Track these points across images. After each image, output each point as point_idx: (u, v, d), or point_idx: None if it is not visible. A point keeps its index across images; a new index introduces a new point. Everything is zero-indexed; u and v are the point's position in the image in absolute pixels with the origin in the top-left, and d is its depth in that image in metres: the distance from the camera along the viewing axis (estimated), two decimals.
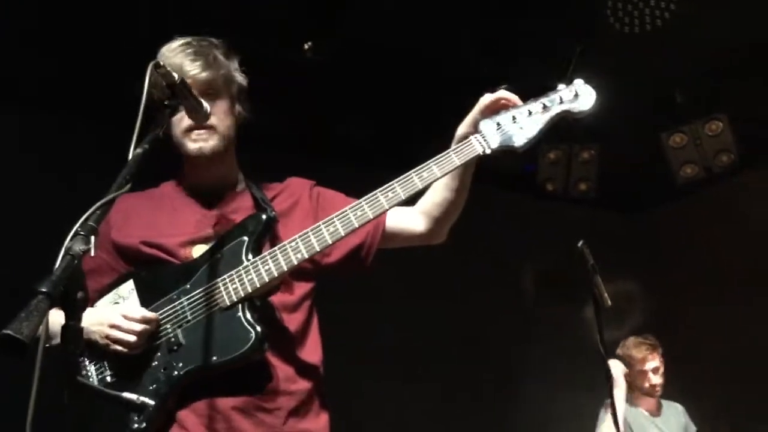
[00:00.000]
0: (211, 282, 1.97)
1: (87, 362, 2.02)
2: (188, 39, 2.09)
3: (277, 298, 2.06)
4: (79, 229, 1.40)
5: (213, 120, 2.06)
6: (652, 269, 6.70)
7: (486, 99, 2.02)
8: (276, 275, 1.94)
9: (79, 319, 1.39)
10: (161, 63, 1.77)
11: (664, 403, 4.78)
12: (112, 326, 1.94)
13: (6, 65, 4.19)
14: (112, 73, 4.00)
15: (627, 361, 4.72)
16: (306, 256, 1.94)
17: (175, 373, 1.93)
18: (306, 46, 4.39)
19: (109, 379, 1.99)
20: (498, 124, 1.95)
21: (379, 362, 5.18)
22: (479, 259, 5.92)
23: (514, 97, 2.00)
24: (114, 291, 2.06)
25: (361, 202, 1.94)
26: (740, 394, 5.66)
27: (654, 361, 4.68)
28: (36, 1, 3.98)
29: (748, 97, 5.57)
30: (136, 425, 1.90)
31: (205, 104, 1.94)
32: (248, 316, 1.93)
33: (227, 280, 1.96)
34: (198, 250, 2.07)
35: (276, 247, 1.97)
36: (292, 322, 2.08)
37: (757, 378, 5.63)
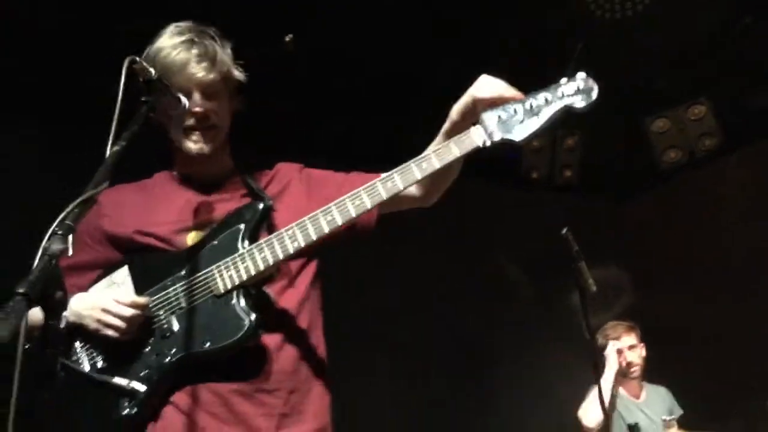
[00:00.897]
0: (206, 269, 1.98)
1: (79, 348, 2.01)
2: (188, 33, 2.06)
3: (274, 284, 2.06)
4: (56, 228, 1.39)
5: (214, 120, 2.09)
6: (637, 254, 6.74)
7: (485, 90, 1.99)
8: (271, 263, 1.94)
9: (59, 319, 1.38)
10: (137, 59, 1.76)
11: (648, 386, 4.83)
12: (104, 310, 1.94)
13: None
14: (85, 70, 4.00)
15: (604, 342, 4.78)
16: (302, 245, 1.94)
17: (167, 359, 1.94)
18: (287, 39, 4.37)
19: (100, 364, 1.99)
20: (499, 117, 1.92)
21: (361, 350, 5.18)
22: (463, 248, 5.93)
23: (515, 91, 1.98)
24: (108, 277, 2.06)
25: (359, 191, 1.94)
26: (723, 379, 5.71)
27: (630, 339, 4.73)
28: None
29: (730, 80, 5.60)
30: (126, 411, 1.91)
31: (183, 99, 1.95)
32: (242, 303, 1.94)
33: (222, 267, 1.97)
34: (193, 238, 2.07)
35: (273, 235, 1.97)
36: (290, 306, 2.08)
37: (740, 361, 5.68)
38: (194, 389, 1.95)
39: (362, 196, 1.93)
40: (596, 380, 3.52)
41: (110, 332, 1.94)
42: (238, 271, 1.95)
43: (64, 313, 1.96)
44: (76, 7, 4.04)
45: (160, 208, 2.13)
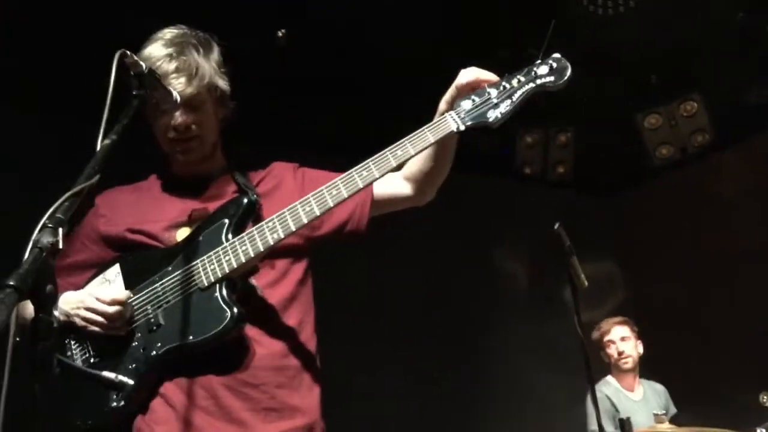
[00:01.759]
0: (191, 263, 2.00)
1: (72, 343, 2.05)
2: (170, 46, 2.06)
3: (261, 276, 2.07)
4: (46, 221, 1.39)
5: (196, 131, 2.10)
6: (629, 249, 6.76)
7: (464, 77, 2.01)
8: (252, 255, 1.95)
9: (50, 312, 1.38)
10: (128, 53, 1.76)
11: (645, 382, 4.85)
12: (87, 309, 1.98)
13: None
14: (75, 64, 3.99)
15: (598, 336, 4.80)
16: (282, 236, 1.95)
17: (154, 352, 1.96)
18: (279, 34, 4.36)
19: (92, 360, 2.03)
20: (473, 100, 1.94)
21: (355, 340, 5.19)
22: (457, 242, 5.94)
23: (491, 75, 1.99)
24: (101, 275, 2.10)
25: (336, 182, 1.95)
26: (715, 371, 5.73)
27: (622, 330, 4.75)
28: None
29: (722, 77, 5.61)
30: (114, 403, 1.94)
31: (175, 93, 1.95)
32: (225, 295, 1.95)
33: (206, 260, 1.98)
34: (181, 234, 2.10)
35: (254, 228, 1.98)
36: (278, 298, 2.09)
37: (733, 355, 5.71)
38: (182, 383, 1.97)
39: (339, 186, 1.94)
40: (587, 377, 3.51)
41: (95, 329, 1.99)
42: (220, 264, 1.96)
43: (55, 312, 2.00)
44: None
45: (152, 207, 2.17)
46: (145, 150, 2.11)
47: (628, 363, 4.73)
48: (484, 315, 6.00)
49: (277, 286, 2.10)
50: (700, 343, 6.02)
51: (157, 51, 2.03)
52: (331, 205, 1.93)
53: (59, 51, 4.21)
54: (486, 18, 4.81)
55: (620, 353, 4.72)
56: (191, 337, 1.94)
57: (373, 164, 1.93)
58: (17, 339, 1.33)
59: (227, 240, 1.99)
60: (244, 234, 1.98)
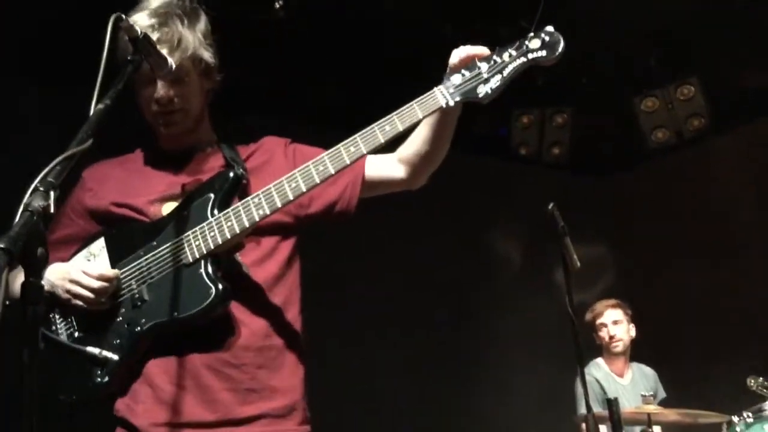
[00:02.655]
0: (176, 238, 1.97)
1: (57, 318, 2.04)
2: (154, 17, 2.01)
3: (247, 254, 2.04)
4: (38, 185, 1.37)
5: (179, 104, 2.06)
6: (623, 232, 6.78)
7: (455, 56, 1.97)
8: (237, 231, 1.92)
9: (40, 277, 1.36)
10: (123, 16, 1.73)
11: (635, 365, 4.86)
12: (72, 281, 1.96)
13: None
14: (68, 29, 3.94)
15: (591, 318, 4.81)
16: (268, 212, 1.92)
17: (138, 328, 1.94)
18: (277, 5, 4.33)
19: (76, 334, 2.01)
20: (463, 75, 1.90)
21: (348, 324, 5.20)
22: (452, 222, 5.94)
23: (483, 49, 1.94)
24: (86, 249, 2.07)
25: (323, 157, 1.92)
26: (711, 355, 5.77)
27: (614, 313, 4.77)
28: None
29: (719, 60, 5.59)
30: (98, 379, 1.93)
31: (170, 60, 1.92)
32: (210, 271, 1.92)
33: (191, 236, 1.95)
34: (167, 208, 2.06)
35: (239, 203, 1.95)
36: (263, 276, 2.06)
37: (726, 338, 5.74)
38: (164, 362, 1.96)
39: (325, 161, 1.90)
40: (577, 359, 3.51)
41: (79, 303, 1.96)
42: (205, 240, 1.93)
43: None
44: None
45: (138, 181, 2.13)
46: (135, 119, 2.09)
47: (619, 347, 4.74)
48: (478, 296, 6.01)
49: (263, 264, 2.07)
50: (693, 325, 6.05)
51: (141, 20, 1.98)
52: (318, 181, 1.90)
53: (52, 14, 4.16)
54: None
55: (611, 337, 4.73)
56: (176, 314, 1.91)
57: (360, 139, 1.90)
58: (6, 303, 1.32)
59: (212, 215, 1.96)
60: (229, 209, 1.95)
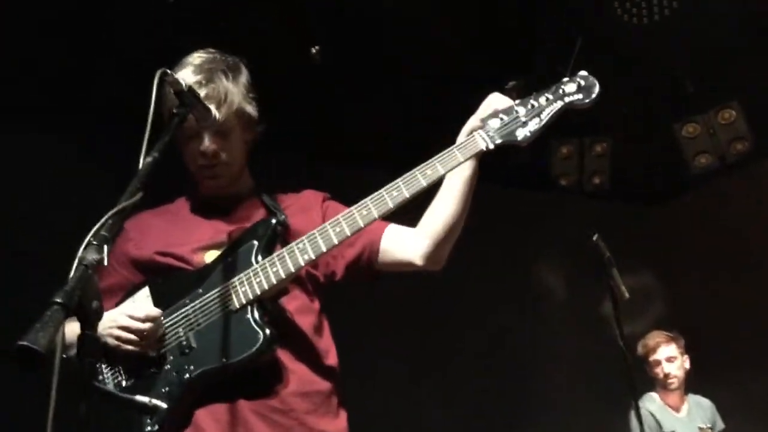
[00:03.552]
0: (222, 285, 1.99)
1: (104, 367, 2.06)
2: (200, 73, 2.07)
3: (289, 300, 2.07)
4: (91, 239, 1.41)
5: (224, 157, 2.12)
6: (670, 261, 6.66)
7: (490, 100, 2.01)
8: (283, 276, 1.95)
9: (95, 329, 1.39)
10: (168, 71, 1.78)
11: (691, 398, 4.74)
12: (120, 327, 1.97)
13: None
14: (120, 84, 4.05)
15: (643, 352, 4.71)
16: (313, 256, 1.95)
17: (187, 375, 1.96)
18: (313, 50, 4.41)
19: (124, 383, 2.03)
20: (501, 119, 1.94)
21: (390, 360, 5.16)
22: (494, 258, 5.89)
23: (511, 101, 1.98)
24: (130, 298, 2.09)
25: (366, 202, 1.94)
26: (760, 382, 5.61)
27: (668, 350, 4.65)
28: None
29: (759, 83, 5.53)
30: (148, 428, 1.93)
31: (214, 110, 1.97)
32: (257, 317, 1.95)
33: (236, 282, 1.98)
34: (210, 256, 2.09)
35: (284, 249, 1.98)
36: (305, 323, 2.09)
37: None
38: (212, 408, 1.96)
39: (369, 205, 1.93)
40: (631, 392, 3.45)
41: (128, 347, 1.97)
42: (251, 286, 1.96)
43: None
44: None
45: (180, 230, 2.18)
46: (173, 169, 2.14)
47: (674, 384, 4.64)
48: (523, 329, 5.93)
49: (303, 312, 2.11)
50: (745, 354, 5.90)
51: (187, 77, 2.03)
52: (362, 225, 1.93)
53: (98, 68, 4.28)
54: (522, 29, 4.80)
55: (666, 375, 4.63)
56: (224, 360, 1.93)
57: (402, 183, 1.92)
58: (64, 356, 1.35)
59: (257, 262, 1.99)
60: (274, 255, 1.98)
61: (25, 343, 1.22)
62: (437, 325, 5.51)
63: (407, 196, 1.92)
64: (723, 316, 6.15)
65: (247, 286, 1.96)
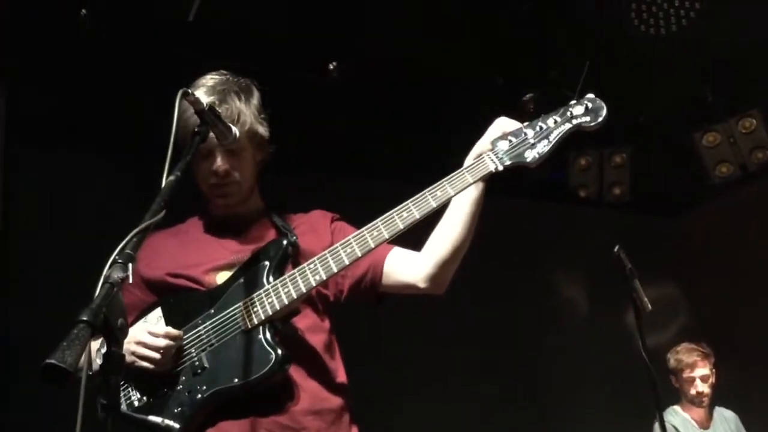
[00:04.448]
0: (234, 306, 2.02)
1: None
2: (213, 94, 2.11)
3: (300, 319, 2.09)
4: (116, 257, 1.43)
5: (236, 177, 2.16)
6: (692, 272, 6.60)
7: (499, 122, 2.05)
8: (295, 297, 1.98)
9: (121, 346, 1.40)
10: (189, 91, 1.80)
11: (717, 410, 4.69)
12: (138, 343, 1.99)
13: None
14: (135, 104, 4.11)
15: (676, 365, 4.64)
16: (324, 277, 1.97)
17: (199, 396, 1.97)
18: (331, 67, 4.44)
19: (136, 403, 2.04)
20: (510, 141, 1.98)
21: (412, 376, 5.15)
22: (514, 270, 5.87)
23: (518, 124, 2.02)
24: (143, 318, 2.11)
25: (377, 223, 1.97)
26: None
27: (704, 369, 4.59)
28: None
29: None
30: None
31: (234, 129, 2.00)
32: (269, 337, 1.97)
33: (248, 303, 2.00)
34: (222, 277, 2.12)
35: (296, 269, 2.01)
36: (316, 342, 2.11)
37: None
38: (226, 426, 1.98)
39: (380, 227, 1.96)
40: (656, 404, 3.41)
41: (145, 364, 1.99)
42: (263, 307, 1.98)
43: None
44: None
45: (191, 250, 2.20)
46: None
47: (705, 402, 4.60)
48: (545, 342, 5.90)
49: (316, 329, 2.13)
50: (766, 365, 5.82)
51: (201, 97, 2.04)
52: (372, 246, 1.96)
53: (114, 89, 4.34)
54: (538, 40, 4.80)
55: (699, 393, 4.58)
56: (237, 380, 1.94)
57: (412, 205, 1.95)
58: (90, 373, 1.36)
59: (269, 282, 2.01)
60: (285, 276, 2.00)
61: (52, 361, 1.24)
62: (459, 337, 5.49)
63: (417, 217, 1.94)
64: (745, 327, 6.08)
65: (259, 306, 1.98)
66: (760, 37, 4.98)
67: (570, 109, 2.00)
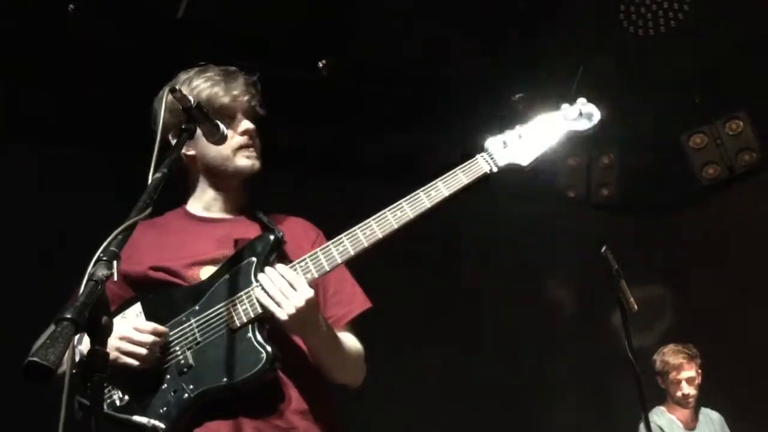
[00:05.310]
0: (221, 303, 1.97)
1: None
2: (218, 74, 2.13)
3: None
4: (101, 254, 1.41)
5: (257, 141, 2.17)
6: (680, 272, 6.62)
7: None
8: None
9: (105, 344, 1.39)
10: (176, 88, 1.79)
11: (703, 411, 4.71)
12: (122, 338, 1.92)
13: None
14: (123, 101, 4.08)
15: (662, 367, 4.66)
16: (316, 275, 1.95)
17: (186, 395, 1.92)
18: (320, 64, 4.43)
19: (119, 402, 1.97)
20: (504, 142, 1.99)
21: (399, 376, 5.14)
22: (503, 269, 5.88)
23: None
24: (121, 315, 2.04)
25: (369, 222, 1.96)
26: None
27: (690, 371, 4.62)
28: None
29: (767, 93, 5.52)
30: None
31: (222, 126, 1.96)
32: (258, 336, 1.93)
33: (236, 301, 1.96)
34: (206, 272, 2.07)
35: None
36: (304, 342, 2.07)
37: None
38: (214, 425, 1.93)
39: (372, 226, 1.95)
40: (641, 405, 3.42)
41: (129, 360, 1.91)
42: (252, 305, 1.94)
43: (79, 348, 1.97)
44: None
45: (173, 244, 2.14)
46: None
47: (692, 403, 4.63)
48: (532, 342, 5.90)
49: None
50: (755, 365, 5.85)
51: (212, 72, 2.11)
52: (366, 245, 1.94)
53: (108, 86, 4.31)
54: (527, 41, 4.80)
55: (685, 395, 4.60)
56: (226, 379, 1.89)
57: (406, 204, 1.95)
58: (74, 371, 1.35)
59: (256, 279, 1.96)
60: None
61: (35, 359, 1.22)
62: (447, 337, 5.49)
63: (411, 216, 1.94)
64: (731, 328, 6.11)
65: (248, 304, 1.94)
66: (747, 39, 5.00)
67: (564, 112, 2.03)
